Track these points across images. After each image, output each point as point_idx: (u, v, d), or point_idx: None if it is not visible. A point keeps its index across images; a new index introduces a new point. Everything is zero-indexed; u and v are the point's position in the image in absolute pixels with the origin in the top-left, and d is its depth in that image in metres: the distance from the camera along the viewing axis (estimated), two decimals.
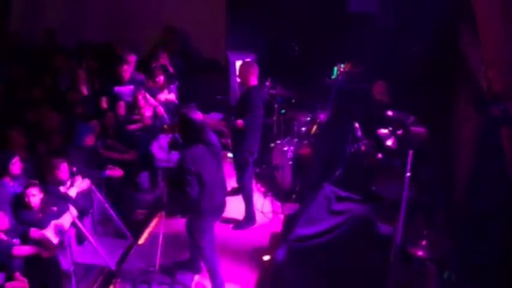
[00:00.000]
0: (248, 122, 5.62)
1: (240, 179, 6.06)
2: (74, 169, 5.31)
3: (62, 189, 5.20)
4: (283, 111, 6.89)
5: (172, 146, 4.91)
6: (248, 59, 5.94)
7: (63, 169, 5.18)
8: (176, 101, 7.27)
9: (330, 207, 5.24)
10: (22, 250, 4.44)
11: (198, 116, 4.55)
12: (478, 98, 4.91)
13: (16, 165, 4.94)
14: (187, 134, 4.56)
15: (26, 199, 4.76)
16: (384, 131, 5.02)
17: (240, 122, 5.62)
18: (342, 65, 7.23)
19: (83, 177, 5.37)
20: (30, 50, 7.94)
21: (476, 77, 5.02)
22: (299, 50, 6.44)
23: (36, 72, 7.23)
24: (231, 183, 6.45)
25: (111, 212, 5.58)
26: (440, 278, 4.50)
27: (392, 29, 6.74)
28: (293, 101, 6.97)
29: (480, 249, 4.53)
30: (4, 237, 4.41)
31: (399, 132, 4.86)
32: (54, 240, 4.57)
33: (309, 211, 5.22)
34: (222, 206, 4.86)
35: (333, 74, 7.30)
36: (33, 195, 4.77)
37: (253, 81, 5.74)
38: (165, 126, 4.81)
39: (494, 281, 4.32)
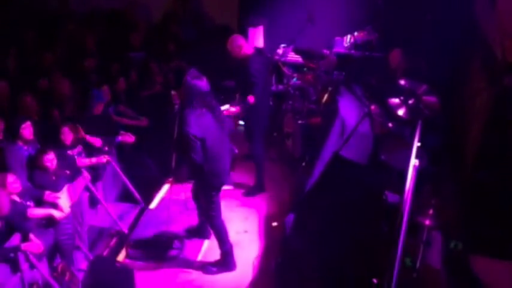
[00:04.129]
0: (254, 93, 5.57)
1: (251, 146, 6.10)
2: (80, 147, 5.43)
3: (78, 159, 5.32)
4: (295, 79, 6.83)
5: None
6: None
7: (66, 133, 5.29)
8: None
9: (340, 175, 5.27)
10: (36, 212, 4.54)
11: (202, 81, 4.42)
12: (492, 68, 4.85)
13: (27, 130, 4.99)
14: (190, 100, 4.39)
15: (42, 163, 4.84)
16: (395, 100, 4.96)
17: (250, 98, 5.57)
18: (356, 33, 7.13)
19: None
20: (42, 14, 7.92)
21: (491, 47, 4.94)
22: (311, 17, 6.36)
23: (47, 37, 7.23)
24: (243, 150, 6.50)
25: (124, 177, 5.67)
26: (447, 247, 4.55)
27: None
28: (305, 69, 6.91)
29: (487, 219, 4.55)
30: (19, 199, 4.52)
31: (411, 101, 4.80)
32: (68, 203, 4.67)
33: (319, 179, 5.24)
34: (226, 173, 4.81)
35: (346, 43, 7.20)
36: (49, 159, 4.87)
37: (247, 50, 5.65)
38: (172, 92, 4.72)
39: (500, 250, 4.36)
